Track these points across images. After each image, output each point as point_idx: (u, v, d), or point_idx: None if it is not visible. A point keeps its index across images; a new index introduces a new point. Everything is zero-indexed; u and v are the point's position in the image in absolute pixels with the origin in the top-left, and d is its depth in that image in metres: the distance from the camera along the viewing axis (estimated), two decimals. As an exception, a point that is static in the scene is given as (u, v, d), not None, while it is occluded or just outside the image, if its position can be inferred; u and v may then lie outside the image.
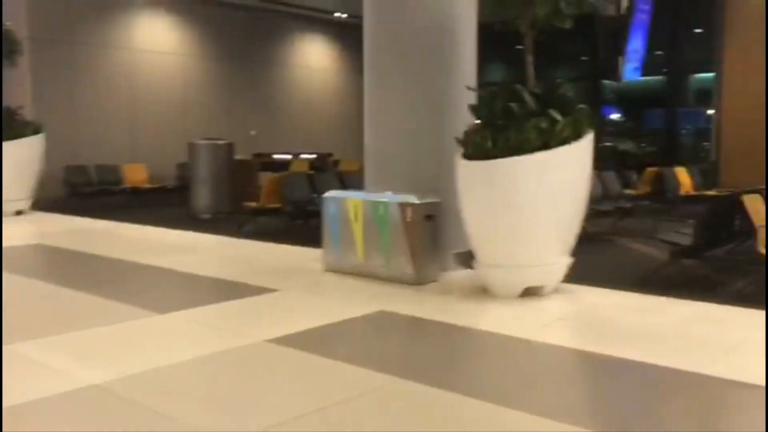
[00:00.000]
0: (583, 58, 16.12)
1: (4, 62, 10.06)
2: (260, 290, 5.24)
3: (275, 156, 14.07)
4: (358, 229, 5.78)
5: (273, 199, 9.16)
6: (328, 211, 5.98)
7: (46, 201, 10.94)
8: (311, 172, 11.05)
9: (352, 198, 5.86)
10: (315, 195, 8.21)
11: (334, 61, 18.30)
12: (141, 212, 11.34)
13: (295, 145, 15.89)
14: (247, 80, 16.16)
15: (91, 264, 6.63)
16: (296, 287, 5.45)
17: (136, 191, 13.23)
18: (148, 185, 13.50)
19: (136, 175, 13.63)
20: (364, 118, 6.26)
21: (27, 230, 8.95)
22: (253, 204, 9.33)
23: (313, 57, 17.92)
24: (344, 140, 17.25)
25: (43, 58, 12.68)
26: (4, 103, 10.01)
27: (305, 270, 6.05)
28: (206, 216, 10.89)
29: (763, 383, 3.26)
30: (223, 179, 11.18)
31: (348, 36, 16.95)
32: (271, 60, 16.82)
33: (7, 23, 10.20)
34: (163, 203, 12.94)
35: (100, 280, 5.81)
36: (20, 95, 11.74)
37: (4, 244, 7.19)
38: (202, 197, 11.25)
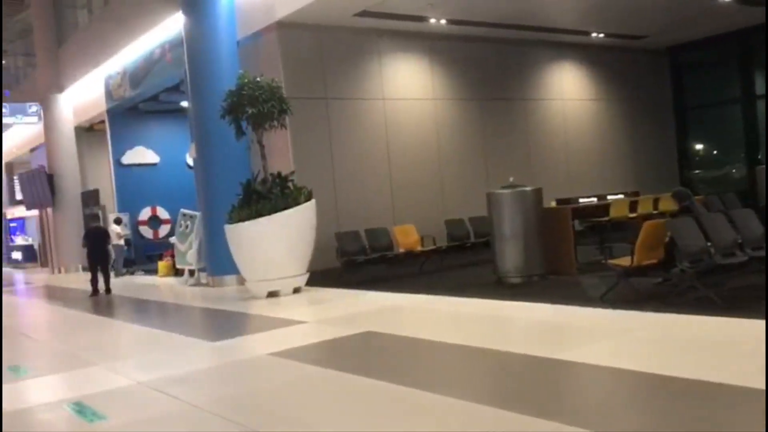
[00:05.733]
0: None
1: (275, 123, 9.65)
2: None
3: (581, 200, 11.79)
4: None
5: (652, 253, 7.31)
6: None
7: (317, 273, 9.85)
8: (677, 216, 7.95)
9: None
10: (709, 244, 6.90)
11: (585, 89, 16.54)
12: (425, 279, 10.26)
13: (576, 187, 14.07)
14: (499, 120, 14.70)
15: (491, 363, 5.04)
16: None
17: (409, 255, 11.25)
18: (419, 248, 11.40)
19: (407, 237, 11.45)
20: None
21: (333, 314, 7.77)
22: (623, 262, 7.37)
23: (566, 87, 16.14)
24: (624, 177, 16.29)
25: (301, 118, 11.10)
26: (274, 168, 9.64)
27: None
28: (516, 280, 8.95)
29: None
30: (532, 234, 9.03)
31: (602, 60, 16.43)
32: (523, 95, 15.23)
33: (275, 80, 9.84)
34: (439, 267, 11.19)
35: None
36: (282, 160, 10.91)
37: (329, 337, 6.47)
38: (510, 257, 9.08)
